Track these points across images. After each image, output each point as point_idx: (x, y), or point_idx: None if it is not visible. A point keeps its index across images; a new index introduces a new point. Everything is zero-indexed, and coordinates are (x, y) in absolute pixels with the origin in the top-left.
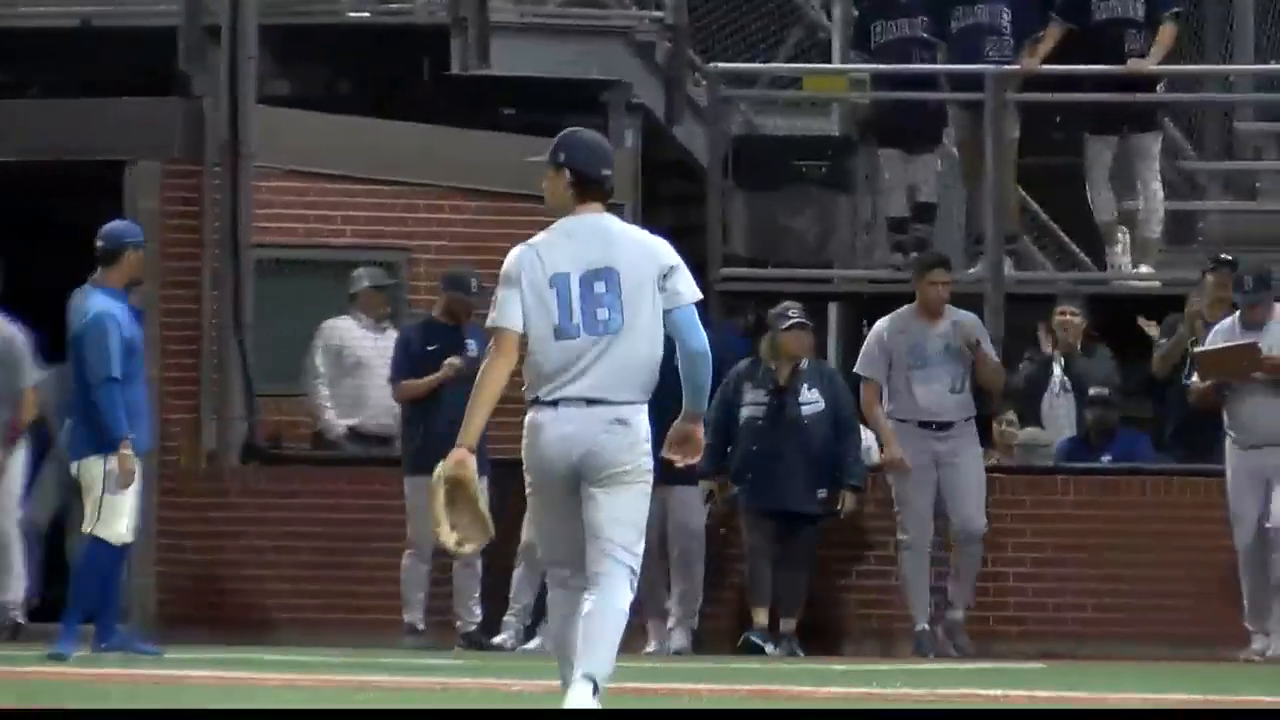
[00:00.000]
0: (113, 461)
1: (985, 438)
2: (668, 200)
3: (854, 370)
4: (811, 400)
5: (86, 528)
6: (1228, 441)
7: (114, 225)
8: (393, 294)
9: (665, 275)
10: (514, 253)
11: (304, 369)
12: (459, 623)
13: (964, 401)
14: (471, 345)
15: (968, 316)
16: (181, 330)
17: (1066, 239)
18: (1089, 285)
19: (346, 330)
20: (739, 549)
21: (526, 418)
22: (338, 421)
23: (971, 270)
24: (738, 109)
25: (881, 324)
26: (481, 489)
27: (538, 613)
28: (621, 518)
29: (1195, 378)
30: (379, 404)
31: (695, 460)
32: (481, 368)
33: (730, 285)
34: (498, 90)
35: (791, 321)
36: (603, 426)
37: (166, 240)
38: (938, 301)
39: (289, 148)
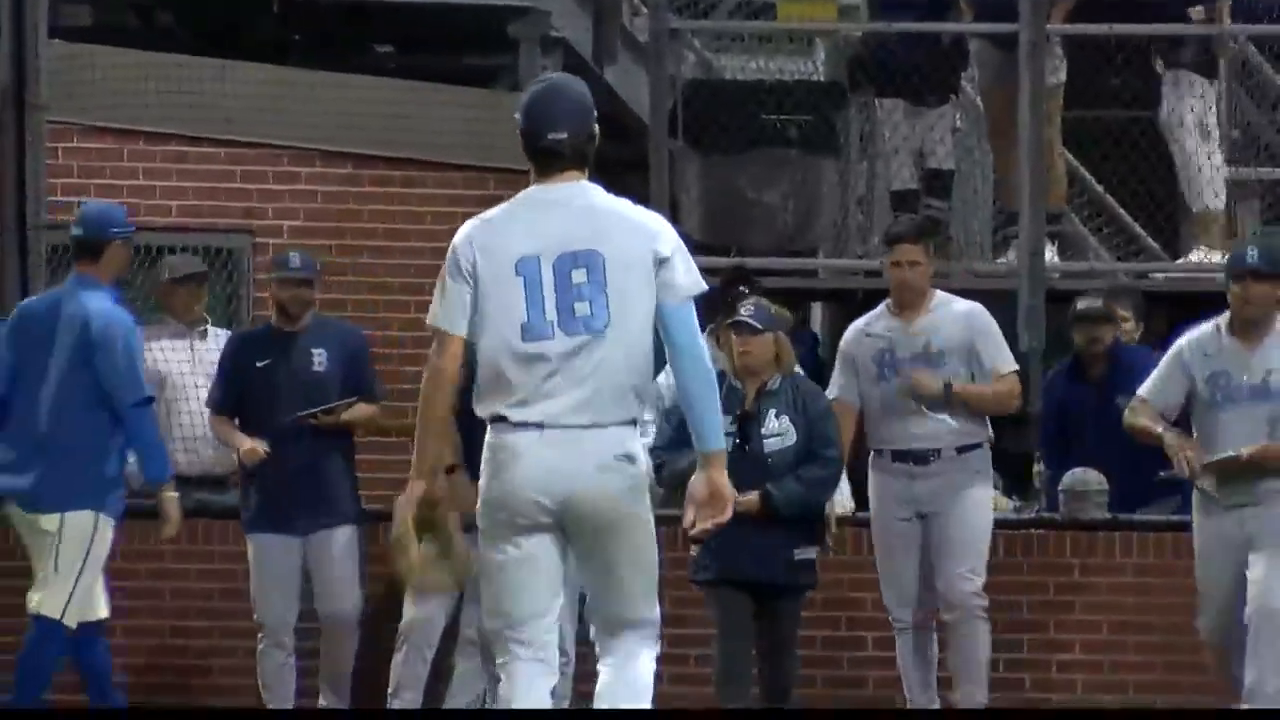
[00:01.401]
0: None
1: (1023, 478)
2: (596, 165)
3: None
4: (778, 431)
5: (52, 609)
6: (1196, 498)
7: (94, 207)
8: (236, 288)
9: (661, 261)
10: (463, 229)
11: None
12: None
13: (954, 425)
14: (319, 356)
15: (969, 310)
16: None
17: (1128, 218)
18: (1157, 280)
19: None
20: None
21: (490, 439)
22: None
23: (1001, 260)
24: (690, 45)
25: (852, 326)
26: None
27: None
28: (638, 590)
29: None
30: (199, 435)
31: (725, 521)
32: (424, 381)
33: None
34: (370, 22)
35: (735, 319)
36: (600, 462)
37: None
38: (903, 288)
39: (93, 97)
